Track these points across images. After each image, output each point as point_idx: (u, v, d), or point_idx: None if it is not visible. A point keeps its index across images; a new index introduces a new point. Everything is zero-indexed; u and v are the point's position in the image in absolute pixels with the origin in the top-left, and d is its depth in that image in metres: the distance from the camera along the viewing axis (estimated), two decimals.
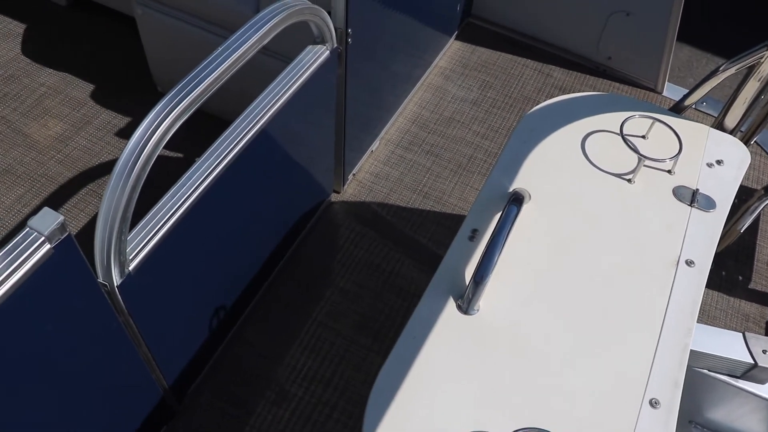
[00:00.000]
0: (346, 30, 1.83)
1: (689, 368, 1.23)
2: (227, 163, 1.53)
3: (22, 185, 2.36)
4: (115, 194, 1.22)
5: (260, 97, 1.64)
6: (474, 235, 1.37)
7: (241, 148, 1.56)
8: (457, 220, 2.32)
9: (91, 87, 2.67)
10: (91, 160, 2.42)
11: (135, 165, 1.23)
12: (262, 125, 1.61)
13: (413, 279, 2.17)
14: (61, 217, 1.11)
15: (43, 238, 1.09)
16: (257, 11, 2.06)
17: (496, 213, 1.38)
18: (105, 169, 2.40)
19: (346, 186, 2.37)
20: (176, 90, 1.31)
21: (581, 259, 1.32)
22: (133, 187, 1.23)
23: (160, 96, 2.61)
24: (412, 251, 2.23)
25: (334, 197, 2.35)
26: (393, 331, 2.06)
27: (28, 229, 1.10)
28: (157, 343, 1.58)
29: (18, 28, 2.92)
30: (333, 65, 1.85)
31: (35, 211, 2.27)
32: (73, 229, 2.25)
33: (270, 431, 1.86)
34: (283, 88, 1.67)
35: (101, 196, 2.28)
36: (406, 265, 2.20)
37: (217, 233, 1.66)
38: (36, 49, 2.83)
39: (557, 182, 1.46)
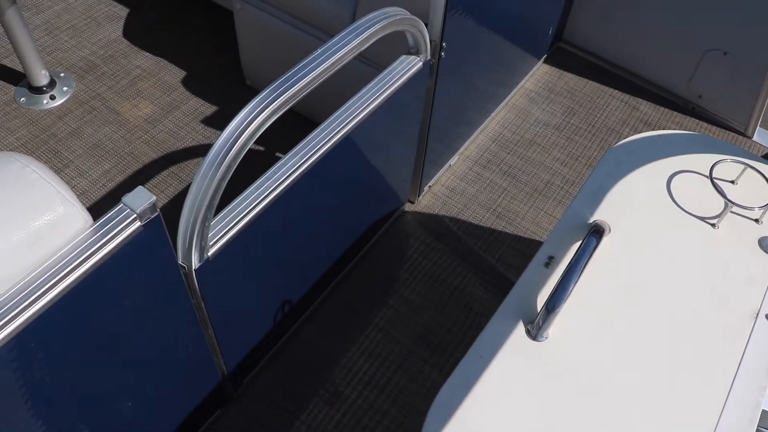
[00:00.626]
0: (441, 43, 1.84)
1: (758, 430, 1.20)
2: (311, 163, 1.55)
3: (109, 160, 2.44)
4: (204, 181, 1.26)
5: (350, 102, 1.67)
6: (550, 262, 1.36)
7: (326, 150, 1.58)
8: (527, 244, 2.31)
9: (183, 74, 2.75)
10: (175, 143, 2.49)
11: (227, 155, 1.26)
12: (348, 130, 1.63)
13: (478, 297, 2.16)
14: (153, 197, 1.15)
15: (134, 215, 1.13)
16: (354, 16, 2.11)
17: (575, 242, 1.37)
18: (188, 153, 2.47)
19: (421, 197, 2.38)
20: (272, 87, 1.34)
21: (656, 300, 1.30)
22: (223, 177, 1.26)
23: (248, 89, 2.69)
24: (479, 269, 2.23)
25: (408, 206, 2.36)
26: (452, 347, 2.05)
27: (121, 205, 1.14)
28: (223, 328, 1.62)
29: (122, 11, 3.03)
30: (424, 77, 1.86)
31: (119, 186, 2.36)
32: None
33: (320, 429, 1.88)
34: (374, 96, 1.69)
35: (181, 178, 2.35)
36: (472, 283, 2.19)
37: (292, 229, 1.69)
38: (135, 32, 2.93)
39: (639, 219, 1.44)
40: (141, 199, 1.15)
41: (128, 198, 1.15)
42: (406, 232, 2.30)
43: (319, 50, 1.44)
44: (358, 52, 1.49)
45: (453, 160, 2.50)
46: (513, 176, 2.50)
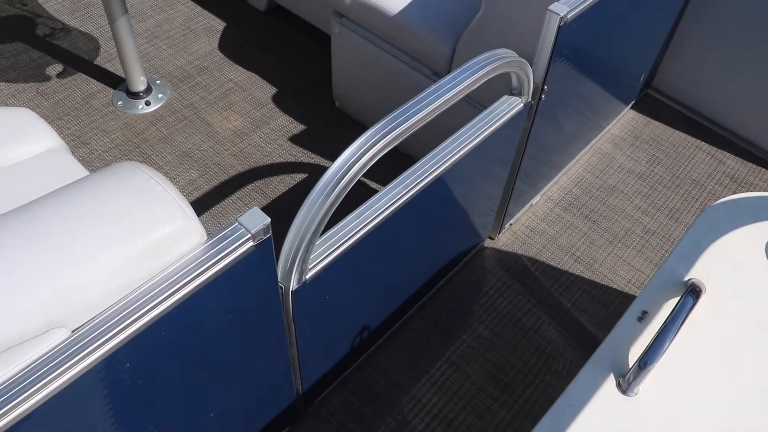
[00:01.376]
0: (542, 86, 1.85)
1: None
2: (408, 198, 1.57)
3: (197, 169, 2.50)
4: (313, 208, 1.29)
5: (450, 140, 1.68)
6: (643, 317, 1.35)
7: (423, 187, 1.60)
8: (603, 290, 2.28)
9: (273, 90, 2.81)
10: (261, 158, 2.54)
11: (336, 186, 1.29)
12: (446, 168, 1.65)
13: (551, 340, 2.15)
14: (268, 219, 1.18)
15: (248, 236, 1.17)
16: (454, 50, 2.13)
17: (669, 299, 1.36)
18: (273, 169, 2.51)
19: (501, 234, 2.38)
20: (383, 123, 1.37)
21: (750, 366, 1.28)
22: (330, 206, 1.29)
23: (336, 111, 2.74)
24: (554, 312, 2.21)
25: (487, 243, 2.37)
26: (522, 387, 2.04)
27: (236, 224, 1.18)
28: (306, 348, 1.64)
29: (219, 25, 3.11)
30: (521, 119, 1.87)
31: (204, 196, 2.42)
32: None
33: None
34: (474, 135, 1.70)
35: (265, 193, 2.40)
36: (546, 325, 2.18)
37: (382, 259, 1.71)
38: (230, 46, 3.01)
39: (736, 281, 1.42)
40: (256, 220, 1.18)
41: (244, 218, 1.18)
42: (483, 268, 2.30)
43: (430, 89, 1.46)
44: (467, 92, 1.51)
45: (535, 200, 2.50)
46: (593, 221, 2.48)
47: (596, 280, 2.31)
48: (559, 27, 1.72)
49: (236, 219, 1.18)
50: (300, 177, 2.48)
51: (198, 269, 1.12)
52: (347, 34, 2.45)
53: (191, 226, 1.15)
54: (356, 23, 2.40)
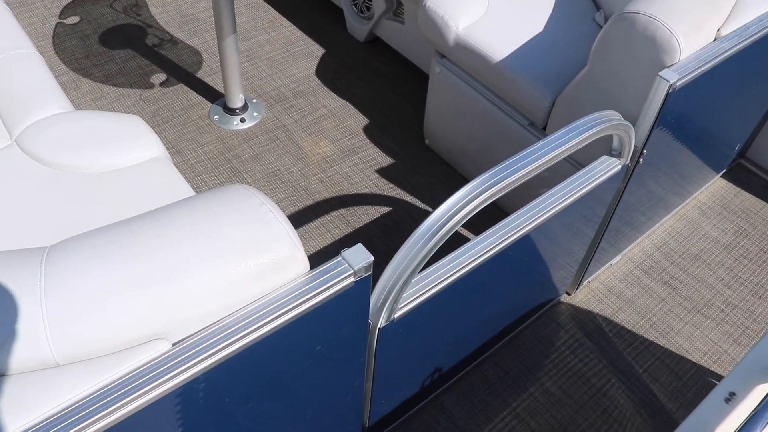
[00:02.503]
0: (642, 149, 1.84)
1: None
2: (498, 249, 1.58)
3: (284, 190, 2.56)
4: (411, 252, 1.31)
5: (546, 196, 1.69)
6: (731, 399, 1.32)
7: (515, 240, 1.61)
8: (678, 360, 2.24)
9: (365, 121, 2.86)
10: (348, 187, 2.59)
11: (436, 234, 1.31)
12: (538, 223, 1.66)
13: (619, 404, 2.11)
14: (371, 257, 1.21)
15: (351, 271, 1.19)
16: (553, 103, 2.14)
17: (760, 384, 1.33)
18: (358, 199, 2.55)
19: (578, 291, 2.36)
20: (488, 176, 1.38)
21: None
22: (429, 251, 1.31)
23: (425, 148, 2.77)
24: (625, 376, 2.18)
25: (564, 297, 2.35)
26: None
27: (340, 258, 1.20)
28: (381, 384, 1.66)
29: (317, 51, 3.19)
30: (617, 180, 1.86)
31: (288, 218, 2.46)
32: (314, 246, 2.40)
33: None
34: (569, 193, 1.70)
35: (348, 222, 2.43)
36: (615, 388, 2.14)
37: (464, 305, 1.71)
38: (327, 73, 3.08)
39: None
40: (359, 257, 1.20)
41: (348, 254, 1.21)
42: (557, 323, 2.28)
43: (535, 147, 1.47)
44: (571, 152, 1.51)
45: (615, 260, 2.47)
46: (673, 288, 2.44)
47: (671, 348, 2.27)
48: (668, 94, 1.71)
49: (340, 253, 1.21)
50: (383, 210, 2.52)
51: (299, 299, 1.15)
52: (446, 75, 2.48)
53: (297, 255, 1.18)
54: (457, 65, 2.43)
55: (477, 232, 2.47)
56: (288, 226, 1.21)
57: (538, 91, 2.18)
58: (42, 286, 1.08)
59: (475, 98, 2.41)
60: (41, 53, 3.11)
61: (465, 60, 2.36)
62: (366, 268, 1.21)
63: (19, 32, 2.32)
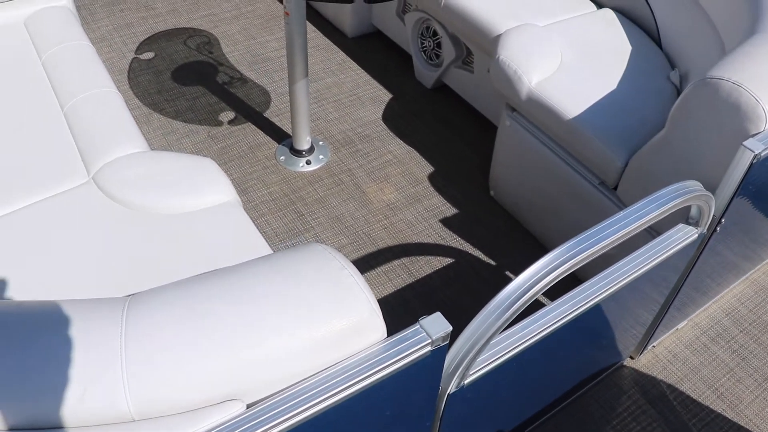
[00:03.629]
0: (720, 219, 1.80)
1: None
2: (571, 317, 1.55)
3: (347, 236, 2.56)
4: (488, 320, 1.29)
5: (620, 264, 1.65)
6: None
7: (586, 308, 1.58)
8: None
9: (430, 168, 2.85)
10: (411, 236, 2.58)
11: (514, 304, 1.28)
12: (611, 292, 1.62)
13: None
14: (449, 327, 1.19)
15: (428, 341, 1.18)
16: (626, 163, 2.11)
17: None
18: (421, 249, 2.54)
19: (642, 355, 2.30)
20: (568, 247, 1.36)
21: None
22: (506, 321, 1.29)
23: (490, 200, 2.75)
24: None
25: (627, 362, 2.29)
26: None
27: (418, 327, 1.19)
28: None
29: (385, 96, 3.21)
30: (693, 248, 1.82)
31: (352, 263, 2.46)
32: (375, 294, 2.39)
33: None
34: (644, 261, 1.66)
35: (411, 272, 2.42)
36: None
37: (532, 371, 1.68)
38: (393, 118, 3.09)
39: None
40: (438, 326, 1.19)
41: (426, 322, 1.19)
42: (620, 388, 2.22)
43: (615, 218, 1.44)
44: (653, 222, 1.48)
45: (681, 325, 2.41)
46: (742, 357, 2.36)
47: (740, 422, 2.19)
48: (751, 164, 1.67)
49: (418, 321, 1.20)
50: (446, 261, 2.50)
51: (376, 366, 1.14)
52: (516, 128, 2.47)
53: (375, 322, 1.17)
54: (528, 119, 2.42)
55: (545, 295, 2.43)
56: (368, 291, 1.20)
57: (611, 150, 2.15)
58: (122, 340, 1.09)
59: (545, 153, 2.39)
60: (117, 88, 3.19)
61: (536, 115, 2.34)
62: (443, 338, 1.20)
63: (101, 71, 2.38)
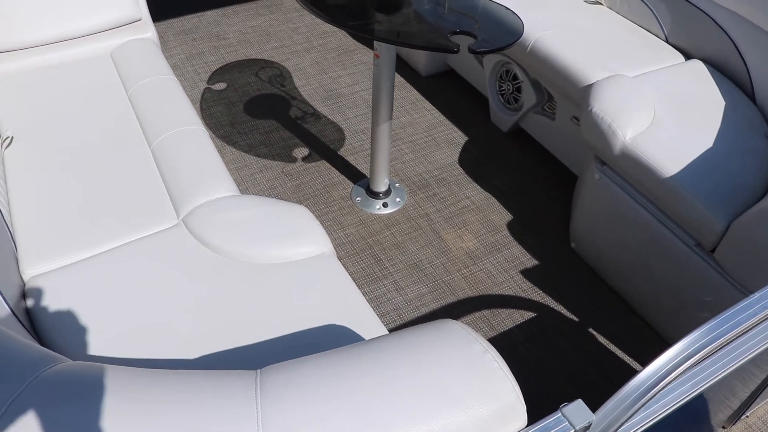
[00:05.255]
0: None
1: None
2: (681, 401, 1.48)
3: (426, 284, 2.50)
4: (620, 406, 1.22)
5: (740, 342, 1.57)
6: None
7: (699, 390, 1.50)
8: None
9: (509, 216, 2.79)
10: (491, 287, 2.51)
11: (644, 395, 1.22)
12: (727, 372, 1.54)
13: None
14: (593, 416, 1.13)
15: (571, 430, 1.11)
16: (728, 226, 2.03)
17: None
18: (502, 301, 2.47)
19: (734, 425, 2.21)
20: (695, 337, 1.29)
21: None
22: (637, 409, 1.22)
23: (570, 252, 2.67)
24: None
25: (719, 431, 2.21)
26: None
27: (560, 415, 1.12)
28: None
29: (460, 138, 3.17)
30: None
31: (431, 315, 2.41)
32: None
33: None
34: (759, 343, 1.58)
35: (492, 325, 2.35)
36: None
37: None
38: (470, 162, 3.04)
39: None
40: (581, 416, 1.12)
41: (568, 411, 1.13)
42: None
43: (750, 301, 1.36)
44: None
45: None
46: None
47: None
48: None
49: (560, 410, 1.13)
50: (527, 315, 2.43)
51: None
52: (605, 182, 2.40)
53: (518, 409, 1.11)
54: (619, 174, 2.36)
55: (632, 357, 2.35)
56: (511, 377, 1.15)
57: (710, 211, 2.07)
58: (259, 421, 1.04)
59: (636, 210, 2.32)
60: None
61: (630, 171, 2.28)
62: (585, 428, 1.13)
63: (187, 107, 2.37)
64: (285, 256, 1.86)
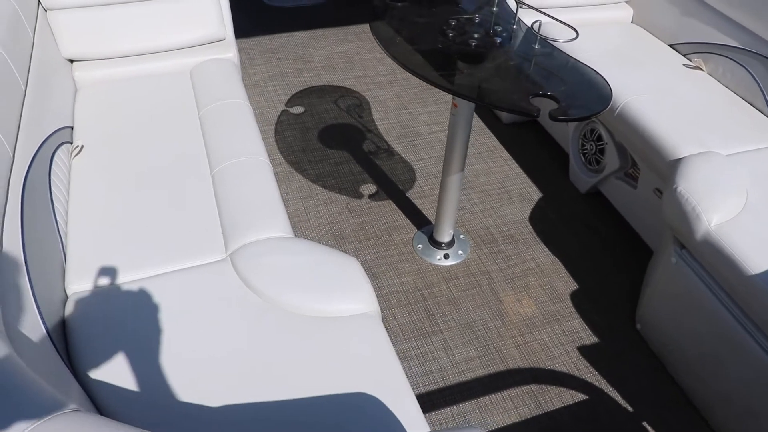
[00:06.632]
0: None
1: None
2: None
3: (476, 347, 2.38)
4: None
5: None
6: None
7: None
8: None
9: (574, 286, 2.64)
10: (545, 360, 2.36)
11: None
12: None
13: None
14: None
15: None
16: None
17: None
18: (554, 378, 2.32)
19: None
20: None
21: None
22: None
23: (635, 333, 2.49)
24: None
25: None
26: None
27: None
28: None
29: (534, 194, 3.03)
30: None
31: (476, 381, 2.28)
32: (497, 421, 2.19)
33: None
34: None
35: (539, 403, 2.21)
36: None
37: None
38: (541, 221, 2.90)
39: None
40: None
41: None
42: None
43: None
44: None
45: None
46: None
47: None
48: None
49: None
50: (579, 396, 2.27)
51: None
52: (682, 268, 2.23)
53: None
54: (698, 262, 2.18)
55: None
56: None
57: None
58: None
59: (712, 303, 2.14)
60: (264, 138, 3.15)
61: (711, 260, 2.10)
62: None
63: (255, 136, 2.32)
64: (327, 311, 1.78)
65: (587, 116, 1.94)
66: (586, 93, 2.04)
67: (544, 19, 2.27)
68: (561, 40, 2.21)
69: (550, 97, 1.96)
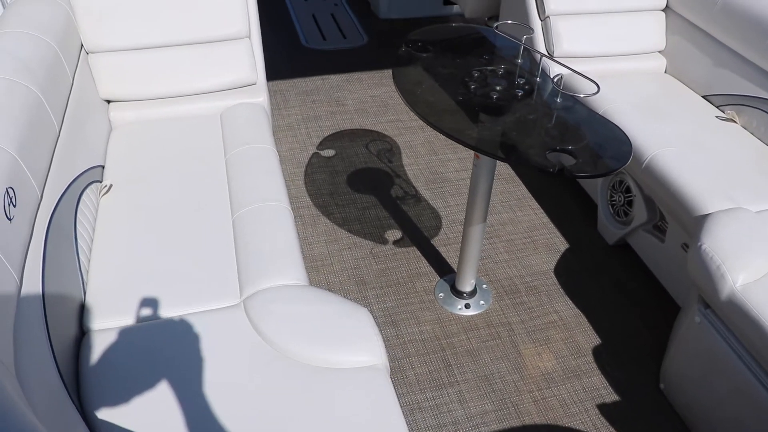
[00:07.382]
0: None
1: None
2: None
3: (492, 401, 2.33)
4: None
5: None
6: None
7: None
8: None
9: (597, 341, 2.58)
10: (563, 418, 2.31)
11: None
12: None
13: None
14: None
15: None
16: None
17: None
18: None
19: None
20: None
21: None
22: None
23: (658, 393, 2.43)
24: None
25: None
26: None
27: None
28: None
29: (561, 245, 2.99)
30: None
31: None
32: None
33: None
34: None
35: None
36: None
37: None
38: (566, 273, 2.86)
39: None
40: None
41: None
42: None
43: None
44: None
45: None
46: None
47: None
48: None
49: None
50: None
51: None
52: (706, 328, 2.17)
53: None
54: (723, 322, 2.12)
55: None
56: None
57: None
58: None
59: (736, 365, 2.07)
60: (293, 181, 3.18)
61: (736, 321, 2.04)
62: None
63: (278, 182, 2.35)
64: (335, 362, 1.77)
65: (603, 174, 1.91)
66: (605, 149, 2.02)
67: (568, 71, 2.26)
68: (582, 95, 2.20)
69: (567, 152, 1.95)
